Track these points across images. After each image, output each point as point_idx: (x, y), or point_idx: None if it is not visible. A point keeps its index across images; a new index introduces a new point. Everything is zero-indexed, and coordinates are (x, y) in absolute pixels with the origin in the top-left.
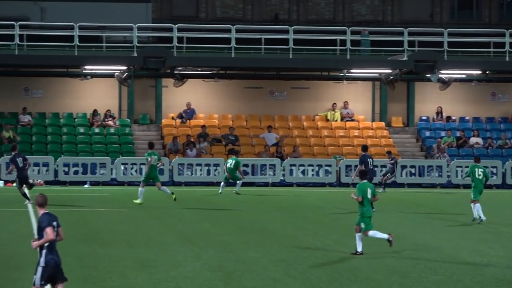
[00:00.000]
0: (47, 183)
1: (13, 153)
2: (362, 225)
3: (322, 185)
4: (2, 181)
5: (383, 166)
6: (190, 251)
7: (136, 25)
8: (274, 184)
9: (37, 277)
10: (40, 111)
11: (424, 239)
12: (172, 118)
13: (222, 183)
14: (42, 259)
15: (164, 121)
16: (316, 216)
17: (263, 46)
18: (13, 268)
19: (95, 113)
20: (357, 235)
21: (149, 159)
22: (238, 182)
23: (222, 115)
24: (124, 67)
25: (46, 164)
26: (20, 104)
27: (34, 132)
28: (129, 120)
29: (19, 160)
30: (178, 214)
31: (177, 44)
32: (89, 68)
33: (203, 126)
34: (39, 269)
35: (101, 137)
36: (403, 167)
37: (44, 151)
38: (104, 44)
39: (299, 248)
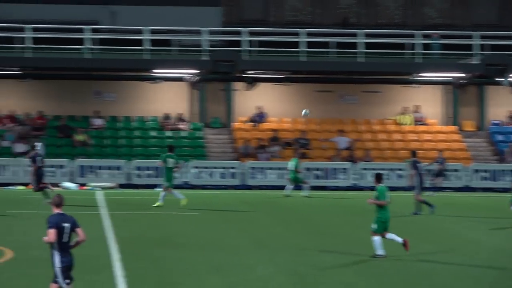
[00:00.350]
0: (120, 186)
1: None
2: (374, 226)
3: (394, 189)
4: (76, 184)
5: (456, 170)
6: (263, 255)
7: (206, 29)
8: (346, 188)
9: (60, 278)
10: (112, 114)
11: (498, 243)
12: (244, 121)
13: (288, 186)
14: (58, 261)
15: (235, 124)
16: None
17: (332, 50)
18: (87, 271)
19: (166, 116)
20: (375, 238)
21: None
22: (304, 185)
23: (293, 119)
24: (195, 71)
25: (118, 167)
26: (91, 108)
27: (107, 135)
28: (201, 124)
29: (39, 159)
30: (250, 217)
31: (247, 48)
32: (159, 72)
33: (275, 130)
34: (58, 271)
35: (172, 141)
36: (476, 171)
37: (117, 154)
38: (174, 48)
39: (373, 252)
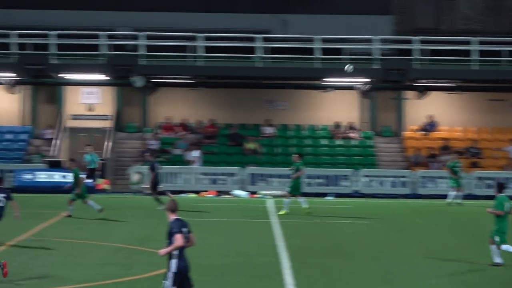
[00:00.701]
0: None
1: (151, 160)
2: (497, 239)
3: None
4: (247, 192)
5: None
6: (433, 265)
7: (378, 37)
8: None
9: (169, 283)
10: (282, 122)
11: None
12: (414, 130)
13: (452, 193)
14: (174, 265)
15: (405, 133)
16: None
17: (504, 59)
18: (258, 278)
19: (337, 125)
20: (492, 247)
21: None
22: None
23: (464, 128)
24: (365, 79)
25: (288, 176)
26: (262, 116)
27: (277, 143)
28: (371, 132)
29: (156, 166)
30: (420, 227)
31: (418, 57)
32: (330, 81)
33: (446, 139)
34: (171, 275)
35: (343, 149)
36: None
37: (287, 162)
38: (345, 56)
39: None
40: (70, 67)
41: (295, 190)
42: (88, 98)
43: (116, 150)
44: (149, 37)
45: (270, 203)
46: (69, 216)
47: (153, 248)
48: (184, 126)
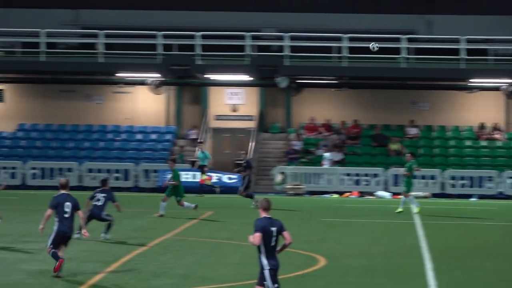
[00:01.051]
0: (433, 195)
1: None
2: None
3: None
4: (390, 193)
5: None
6: None
7: None
8: None
9: (269, 282)
10: (426, 123)
11: None
12: None
13: None
14: (266, 264)
15: None
16: None
17: None
18: (399, 279)
19: (482, 126)
20: None
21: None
22: None
23: None
24: (511, 80)
25: (432, 177)
26: (407, 117)
27: (421, 144)
28: None
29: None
30: None
31: None
32: (475, 81)
33: None
34: (267, 273)
35: (488, 150)
36: None
37: (431, 163)
38: (490, 57)
39: None
40: (215, 67)
41: (409, 189)
42: (232, 99)
43: (259, 151)
44: (294, 38)
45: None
46: (161, 215)
47: (296, 248)
48: (328, 127)
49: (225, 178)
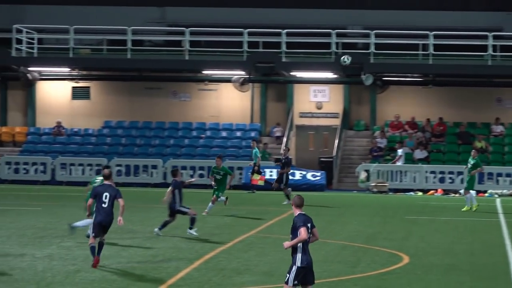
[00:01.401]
0: None
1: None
2: None
3: None
4: (474, 191)
5: None
6: None
7: None
8: None
9: (291, 276)
10: (511, 121)
11: None
12: None
13: None
14: (299, 260)
15: None
16: None
17: None
18: (483, 278)
19: None
20: None
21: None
22: None
23: None
24: None
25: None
26: (492, 115)
27: (506, 142)
28: None
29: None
30: None
31: None
32: None
33: None
34: (294, 269)
35: None
36: None
37: None
38: None
39: None
40: (300, 65)
41: (471, 186)
42: (317, 96)
43: (343, 148)
44: (379, 35)
45: (498, 202)
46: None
47: (379, 246)
48: (413, 125)
49: (309, 175)
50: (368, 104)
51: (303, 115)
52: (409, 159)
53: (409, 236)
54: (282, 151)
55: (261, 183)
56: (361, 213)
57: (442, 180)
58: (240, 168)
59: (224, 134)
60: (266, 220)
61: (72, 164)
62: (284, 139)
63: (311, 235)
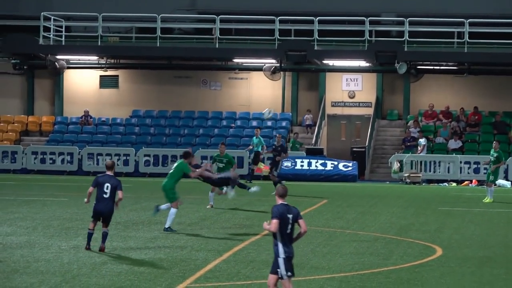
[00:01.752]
0: None
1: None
2: None
3: None
4: (510, 182)
5: None
6: None
7: None
8: None
9: (282, 269)
10: None
11: None
12: None
13: None
14: (281, 251)
15: None
16: None
17: None
18: None
19: None
20: None
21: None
22: None
23: None
24: None
25: None
26: None
27: None
28: None
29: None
30: None
31: None
32: None
33: None
34: (281, 261)
35: None
36: None
37: None
38: None
39: None
40: (332, 53)
41: (495, 179)
42: (350, 85)
43: (376, 138)
44: (414, 23)
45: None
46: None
47: (412, 238)
48: (447, 114)
49: (341, 166)
50: (402, 93)
51: (335, 104)
52: (443, 149)
53: (442, 228)
54: (277, 139)
55: (265, 172)
56: (393, 204)
57: (476, 171)
58: (269, 159)
59: (254, 123)
60: None
61: (99, 154)
62: (316, 129)
63: (290, 226)
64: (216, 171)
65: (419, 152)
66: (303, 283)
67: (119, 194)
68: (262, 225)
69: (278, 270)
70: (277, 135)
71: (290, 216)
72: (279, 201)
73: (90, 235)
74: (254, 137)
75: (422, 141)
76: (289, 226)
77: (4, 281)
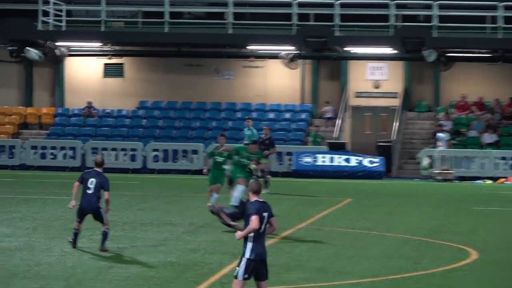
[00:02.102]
0: None
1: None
2: None
3: None
4: None
5: None
6: None
7: None
8: None
9: (241, 270)
10: None
11: None
12: None
13: None
14: (248, 251)
15: None
16: None
17: None
18: None
19: None
20: None
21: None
22: None
23: None
24: None
25: None
26: None
27: None
28: None
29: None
30: None
31: None
32: None
33: None
34: (244, 261)
35: None
36: None
37: None
38: None
39: None
40: (355, 39)
41: None
42: (374, 74)
43: (404, 131)
44: (443, 7)
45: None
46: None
47: (444, 240)
48: (481, 105)
49: (366, 161)
50: (431, 83)
51: (358, 95)
52: (476, 143)
53: (476, 229)
54: (263, 131)
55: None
56: (423, 204)
57: None
58: (289, 154)
59: (271, 115)
60: (318, 211)
61: (104, 149)
62: (338, 122)
63: (268, 225)
64: (212, 166)
65: (438, 146)
66: None
67: (105, 195)
68: (235, 235)
69: (237, 268)
70: (265, 127)
71: (265, 214)
72: (254, 198)
73: (76, 234)
74: (246, 129)
75: (442, 135)
76: (263, 225)
77: (3, 286)
